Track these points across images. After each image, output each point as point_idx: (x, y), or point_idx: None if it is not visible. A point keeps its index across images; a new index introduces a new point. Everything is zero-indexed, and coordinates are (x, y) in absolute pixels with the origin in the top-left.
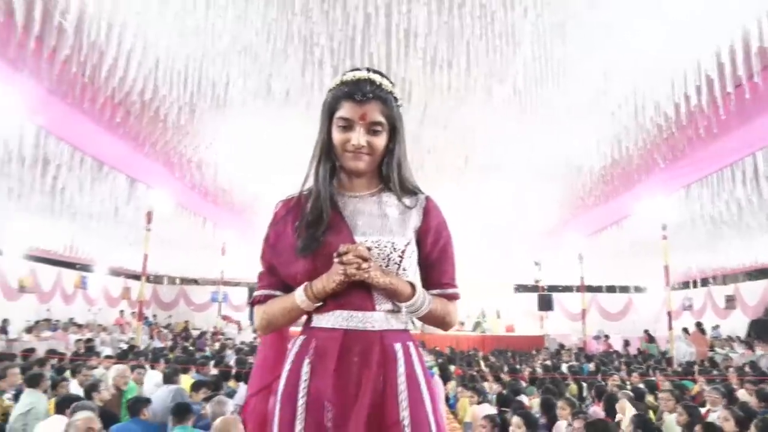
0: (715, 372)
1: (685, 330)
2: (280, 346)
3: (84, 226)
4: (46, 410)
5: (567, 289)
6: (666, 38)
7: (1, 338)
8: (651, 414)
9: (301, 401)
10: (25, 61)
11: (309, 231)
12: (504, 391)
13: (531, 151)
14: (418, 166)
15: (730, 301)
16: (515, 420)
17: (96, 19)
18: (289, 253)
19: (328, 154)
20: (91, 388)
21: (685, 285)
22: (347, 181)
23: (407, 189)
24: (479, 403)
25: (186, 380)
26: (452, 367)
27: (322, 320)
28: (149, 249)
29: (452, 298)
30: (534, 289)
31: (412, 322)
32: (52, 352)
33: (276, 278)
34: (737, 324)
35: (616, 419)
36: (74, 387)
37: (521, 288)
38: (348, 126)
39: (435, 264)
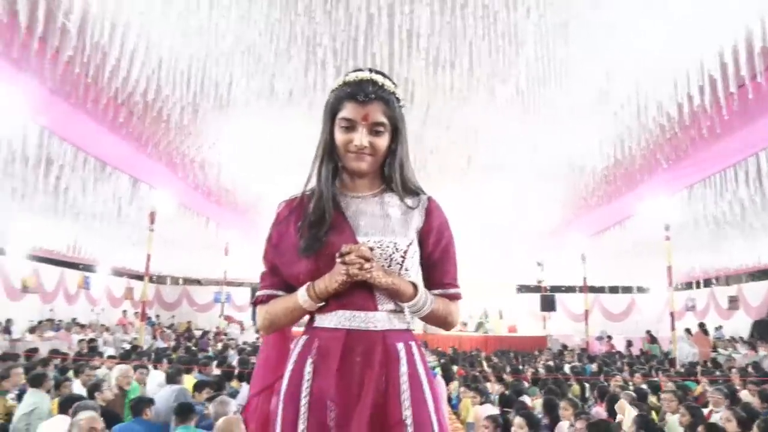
0: (717, 373)
1: (688, 330)
2: (282, 346)
3: (87, 227)
4: (49, 410)
5: (570, 289)
6: (669, 38)
7: (4, 338)
8: (653, 414)
9: (303, 401)
10: (29, 61)
11: (311, 231)
12: (506, 392)
13: (534, 151)
14: (421, 166)
15: (733, 301)
16: (517, 420)
17: (99, 20)
18: (291, 253)
19: (330, 154)
20: (93, 388)
21: (688, 285)
22: (350, 182)
23: (409, 189)
24: (482, 403)
25: (189, 380)
26: (455, 368)
27: (324, 320)
28: (152, 249)
29: (454, 298)
30: (537, 289)
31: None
32: (55, 352)
33: (278, 278)
34: (740, 325)
35: (617, 420)
36: (77, 387)
37: (524, 288)
38: (350, 126)
39: (437, 264)
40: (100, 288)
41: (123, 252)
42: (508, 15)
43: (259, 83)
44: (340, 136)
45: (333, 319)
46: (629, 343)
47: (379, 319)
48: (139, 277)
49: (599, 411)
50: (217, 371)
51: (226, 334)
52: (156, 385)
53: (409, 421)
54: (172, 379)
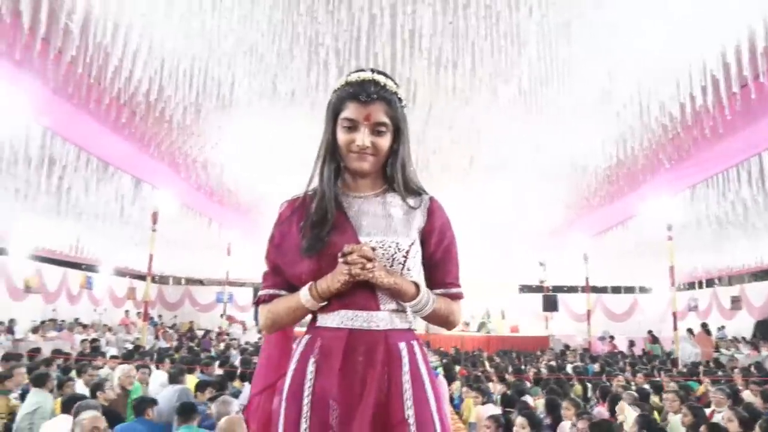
0: (720, 373)
1: (690, 331)
2: (284, 345)
3: (89, 227)
4: (52, 410)
5: (572, 289)
6: (671, 38)
7: (7, 338)
8: (656, 415)
9: (306, 400)
10: (32, 62)
11: (314, 231)
12: (508, 392)
13: (536, 151)
14: (423, 166)
15: (736, 301)
16: (519, 420)
17: (102, 20)
18: (293, 253)
19: (332, 154)
20: (96, 388)
21: (691, 286)
22: (352, 182)
23: (411, 189)
24: (484, 403)
25: (191, 380)
26: (457, 368)
27: (327, 320)
28: (155, 249)
29: (456, 297)
30: (539, 289)
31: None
32: (57, 352)
33: (281, 278)
34: (743, 325)
35: (619, 420)
36: (80, 387)
37: (526, 288)
38: (352, 126)
39: (439, 264)
40: (102, 288)
41: (125, 252)
42: (511, 15)
43: (261, 83)
44: (342, 136)
45: (335, 319)
46: (631, 343)
47: (382, 318)
48: (142, 277)
49: (601, 411)
50: (219, 371)
51: (228, 334)
52: (158, 385)
53: (411, 420)
54: (174, 379)
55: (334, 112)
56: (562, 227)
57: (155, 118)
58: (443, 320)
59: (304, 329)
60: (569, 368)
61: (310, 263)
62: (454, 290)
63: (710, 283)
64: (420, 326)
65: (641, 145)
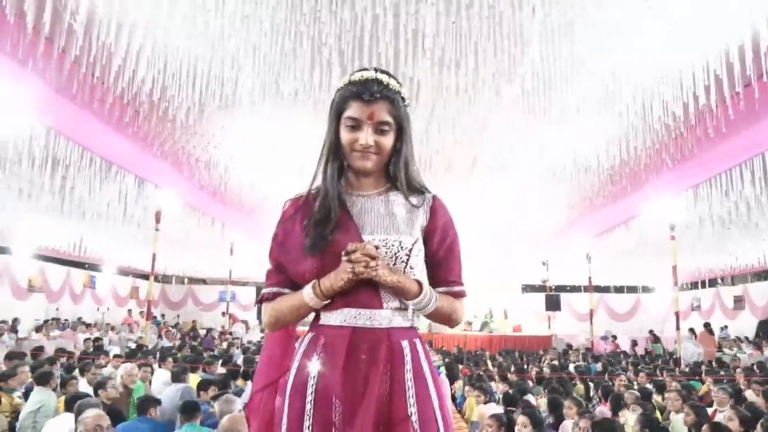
0: (722, 372)
1: (692, 330)
2: (286, 343)
3: (93, 226)
4: (56, 408)
5: (575, 289)
6: (674, 37)
7: (10, 337)
8: (658, 414)
9: (309, 398)
10: (35, 61)
11: (317, 229)
12: (511, 391)
13: (539, 151)
14: (426, 166)
15: (739, 301)
16: (521, 419)
17: (105, 20)
18: (297, 252)
19: (336, 153)
20: (99, 387)
21: (694, 285)
22: (355, 180)
23: (414, 188)
24: (486, 402)
25: (194, 379)
26: (460, 367)
27: (330, 318)
28: (158, 248)
29: (458, 295)
30: (542, 289)
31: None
32: (61, 351)
33: (284, 276)
34: (745, 324)
35: (621, 420)
36: (83, 385)
37: (529, 288)
38: (356, 126)
39: (441, 262)
40: (105, 287)
41: (128, 251)
42: (514, 15)
43: (264, 83)
44: (345, 135)
45: (338, 317)
46: (634, 343)
47: (384, 316)
48: (145, 277)
49: (603, 410)
50: (222, 370)
51: (231, 333)
52: (161, 384)
53: (414, 418)
54: (177, 377)
55: (337, 111)
56: (565, 227)
57: (158, 117)
58: (446, 318)
59: (306, 328)
60: (572, 368)
61: (313, 261)
62: (456, 288)
63: (713, 282)
64: (423, 325)
65: (644, 145)
